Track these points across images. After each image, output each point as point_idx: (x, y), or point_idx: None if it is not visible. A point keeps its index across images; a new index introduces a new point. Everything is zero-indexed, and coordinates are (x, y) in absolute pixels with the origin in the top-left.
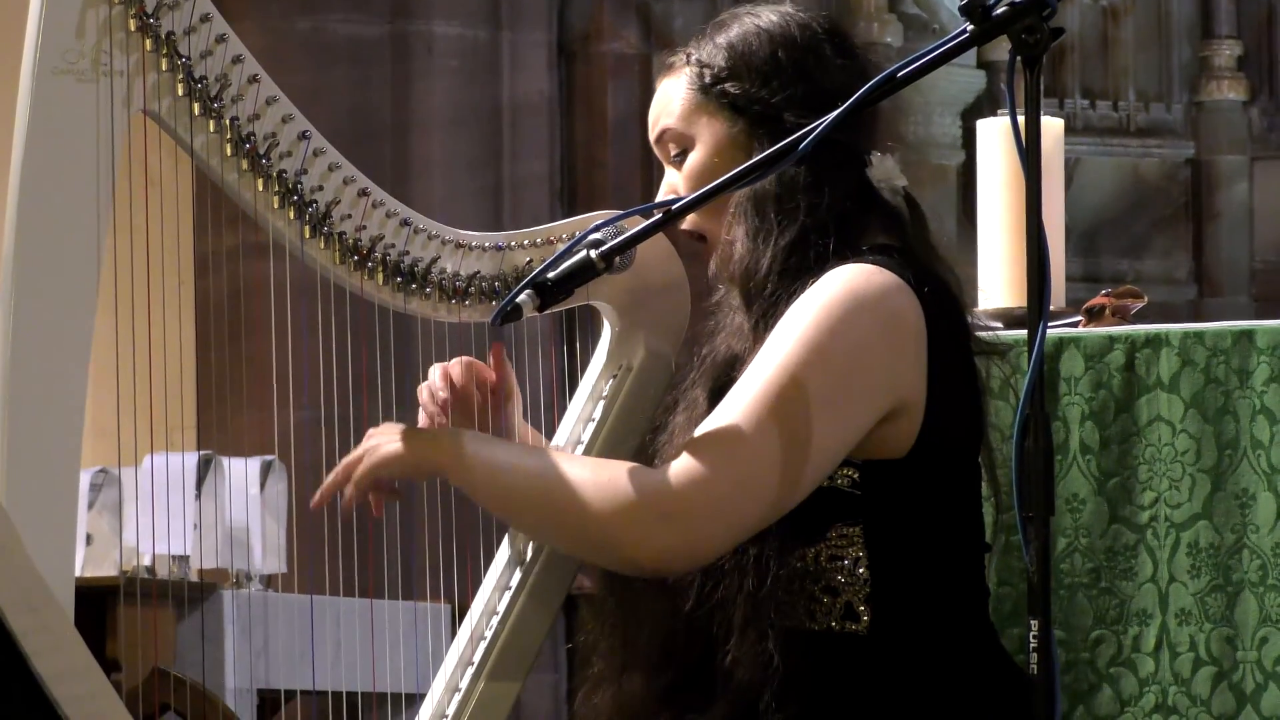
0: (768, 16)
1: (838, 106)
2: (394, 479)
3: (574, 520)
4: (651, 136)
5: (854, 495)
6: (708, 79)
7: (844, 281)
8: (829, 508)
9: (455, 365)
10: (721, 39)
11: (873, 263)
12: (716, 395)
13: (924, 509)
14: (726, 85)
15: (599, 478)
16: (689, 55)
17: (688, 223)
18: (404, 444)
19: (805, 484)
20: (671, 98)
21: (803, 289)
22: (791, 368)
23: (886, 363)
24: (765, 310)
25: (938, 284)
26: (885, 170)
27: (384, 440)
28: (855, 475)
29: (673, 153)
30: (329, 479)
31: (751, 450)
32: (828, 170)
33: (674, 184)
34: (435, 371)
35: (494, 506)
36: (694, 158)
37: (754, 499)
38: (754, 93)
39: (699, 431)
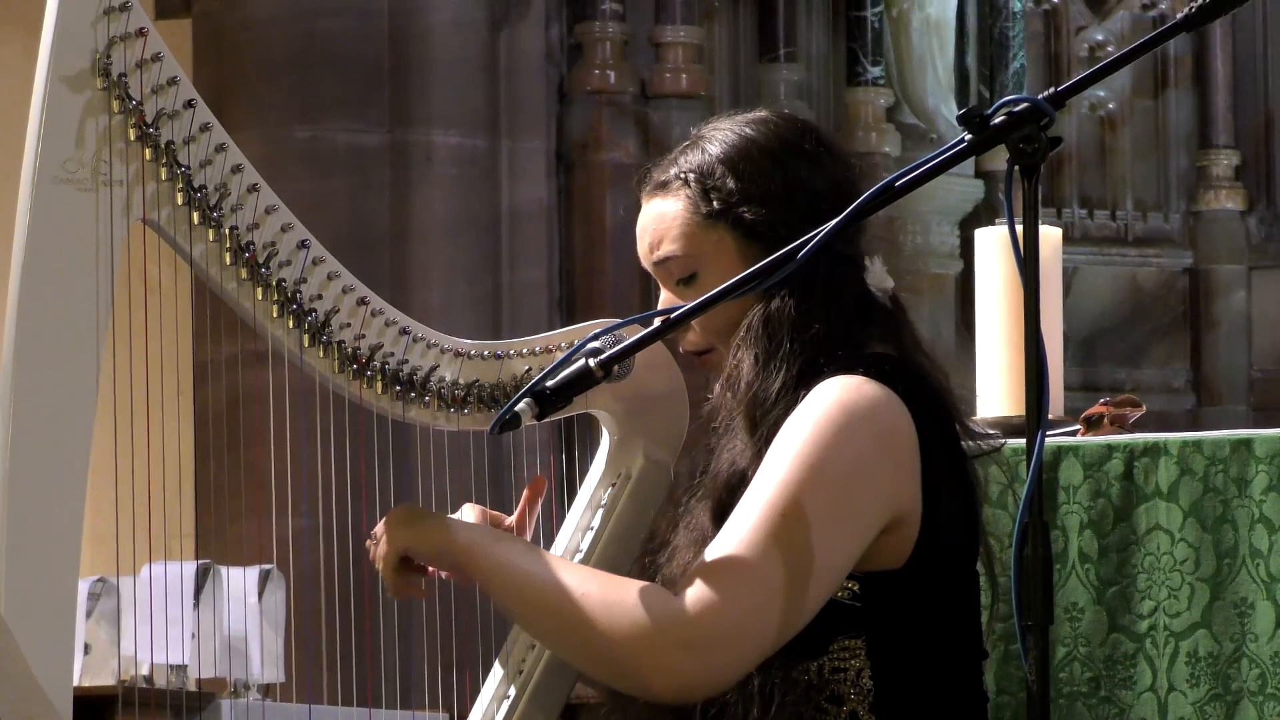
0: (757, 128)
1: (838, 211)
2: (418, 560)
3: (588, 641)
4: (648, 259)
5: (855, 607)
6: (716, 204)
7: (835, 396)
8: (831, 621)
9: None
10: (716, 151)
11: (862, 373)
12: (719, 515)
13: (924, 617)
14: (741, 211)
15: (616, 599)
16: (685, 175)
17: (693, 341)
18: (426, 528)
19: (815, 602)
20: (672, 222)
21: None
22: (793, 487)
23: (884, 474)
24: (770, 432)
25: (929, 389)
26: (877, 274)
27: (405, 521)
28: (855, 587)
29: (676, 278)
30: (378, 562)
31: (762, 575)
32: (833, 283)
33: (675, 306)
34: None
35: (508, 610)
36: (710, 283)
37: (768, 623)
38: (770, 217)
39: (708, 556)
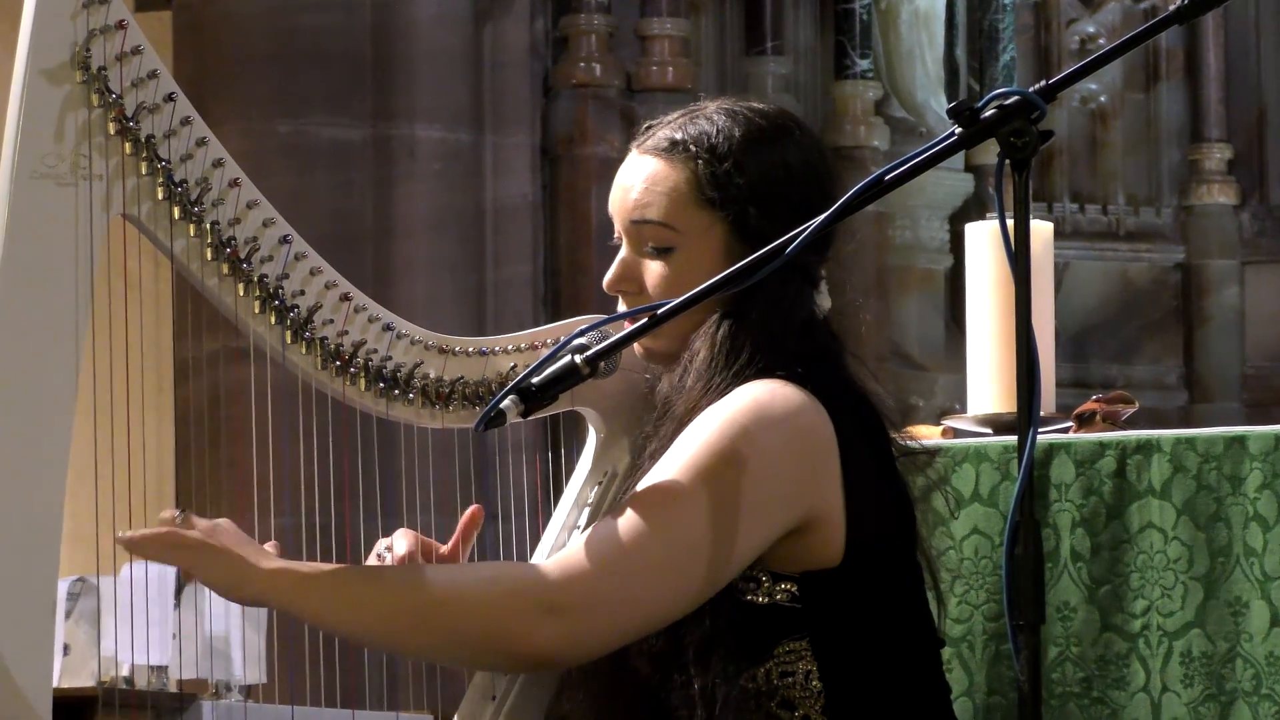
0: (770, 124)
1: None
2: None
3: (453, 619)
4: (626, 214)
5: (795, 609)
6: (721, 194)
7: (751, 394)
8: (773, 624)
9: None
10: (730, 136)
11: (782, 377)
12: None
13: (868, 614)
14: (745, 210)
15: (477, 576)
16: (695, 151)
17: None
18: (242, 568)
19: (702, 588)
20: (669, 190)
21: None
22: (690, 471)
23: (790, 474)
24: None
25: (853, 395)
26: (821, 295)
27: (225, 547)
28: (794, 589)
29: (650, 244)
30: (146, 534)
31: (644, 550)
32: (797, 301)
33: (633, 270)
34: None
35: (362, 631)
36: (684, 264)
37: (643, 598)
38: (766, 219)
39: (594, 528)
